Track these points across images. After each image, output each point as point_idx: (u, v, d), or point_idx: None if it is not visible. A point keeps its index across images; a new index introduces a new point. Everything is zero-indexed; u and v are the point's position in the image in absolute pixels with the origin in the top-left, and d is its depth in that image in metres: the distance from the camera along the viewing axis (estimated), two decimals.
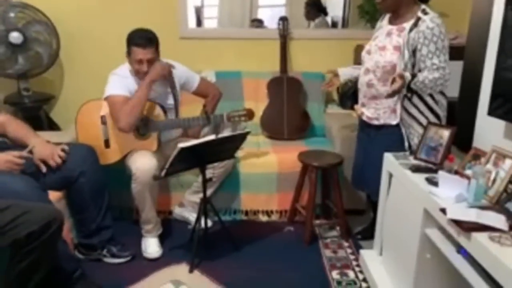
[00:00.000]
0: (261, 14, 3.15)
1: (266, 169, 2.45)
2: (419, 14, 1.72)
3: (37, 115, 2.76)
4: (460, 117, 1.84)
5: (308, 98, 2.92)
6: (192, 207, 2.40)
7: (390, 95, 1.70)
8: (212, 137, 1.77)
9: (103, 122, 2.14)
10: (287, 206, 2.49)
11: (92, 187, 1.92)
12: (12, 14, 2.53)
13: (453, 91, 2.07)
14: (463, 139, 1.77)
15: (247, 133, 1.92)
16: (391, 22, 1.87)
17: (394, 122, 1.84)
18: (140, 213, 2.11)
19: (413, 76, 1.70)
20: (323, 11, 3.18)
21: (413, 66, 1.74)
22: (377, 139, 1.91)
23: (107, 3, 2.86)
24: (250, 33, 3.05)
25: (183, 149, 1.65)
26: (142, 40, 2.00)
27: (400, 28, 1.78)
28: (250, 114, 2.19)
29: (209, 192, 2.24)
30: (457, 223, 1.13)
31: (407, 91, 1.75)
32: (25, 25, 2.55)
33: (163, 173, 1.80)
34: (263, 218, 2.55)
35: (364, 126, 1.99)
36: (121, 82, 2.08)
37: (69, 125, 2.56)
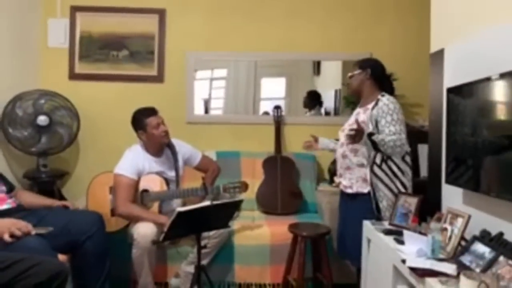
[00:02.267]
0: (263, 106, 3.49)
1: (259, 240, 2.59)
2: (379, 97, 2.13)
3: (51, 189, 3.00)
4: (431, 191, 2.06)
5: (300, 176, 3.17)
6: (187, 277, 2.48)
7: (350, 136, 1.96)
8: (207, 203, 1.98)
9: (111, 192, 2.38)
10: (280, 280, 2.57)
11: (96, 251, 2.08)
12: (42, 101, 2.93)
13: (426, 172, 2.33)
14: (434, 210, 1.97)
15: (241, 201, 2.13)
16: (360, 105, 2.28)
17: (365, 191, 2.08)
18: (137, 279, 2.22)
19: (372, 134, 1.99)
20: (320, 103, 3.53)
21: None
22: (352, 207, 2.14)
23: (123, 93, 3.30)
24: (248, 118, 3.41)
25: (180, 213, 1.85)
26: (150, 110, 2.42)
27: (365, 109, 2.18)
28: (244, 186, 2.42)
29: (204, 262, 2.36)
30: (414, 270, 1.29)
31: (374, 149, 1.99)
32: (52, 110, 2.95)
33: (161, 237, 1.97)
34: None
35: (343, 195, 2.24)
36: (132, 161, 2.37)
37: (77, 199, 2.81)
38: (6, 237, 1.72)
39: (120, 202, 2.27)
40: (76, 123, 3.05)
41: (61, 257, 1.99)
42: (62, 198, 3.11)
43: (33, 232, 1.81)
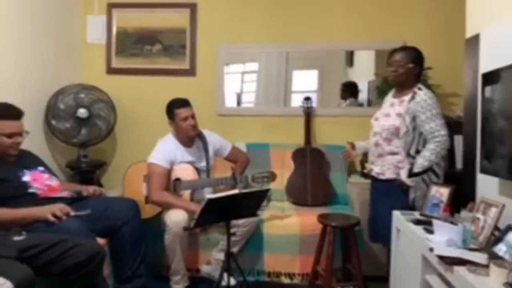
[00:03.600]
0: (295, 98, 3.44)
1: (289, 230, 2.61)
2: (415, 89, 2.13)
3: (91, 178, 3.17)
4: (465, 181, 2.00)
5: (331, 168, 3.14)
6: (218, 264, 2.55)
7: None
8: (235, 191, 2.03)
9: (145, 181, 2.49)
10: (309, 270, 2.58)
11: (132, 236, 2.19)
12: (82, 95, 3.09)
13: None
14: (468, 201, 1.90)
15: (268, 190, 2.16)
16: (394, 96, 2.27)
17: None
18: (170, 264, 2.32)
19: (410, 168, 2.03)
20: (354, 94, 3.47)
21: (414, 128, 2.08)
22: (384, 193, 2.16)
23: (156, 87, 3.40)
24: (278, 110, 3.42)
25: (210, 200, 1.91)
26: (182, 102, 2.50)
27: (400, 100, 2.17)
28: (272, 176, 2.45)
29: (234, 249, 2.41)
30: (442, 258, 1.26)
31: (423, 173, 2.03)
32: (91, 103, 3.10)
33: (192, 224, 2.04)
34: (286, 280, 2.63)
35: (374, 181, 2.29)
36: (165, 150, 2.46)
37: (113, 187, 2.96)
38: (49, 216, 1.85)
39: (153, 190, 2.36)
40: (113, 116, 3.18)
41: (100, 240, 2.12)
42: (100, 186, 3.26)
43: (72, 213, 1.94)
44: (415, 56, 2.18)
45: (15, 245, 1.61)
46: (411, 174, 2.03)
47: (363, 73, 3.57)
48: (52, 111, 3.00)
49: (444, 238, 1.43)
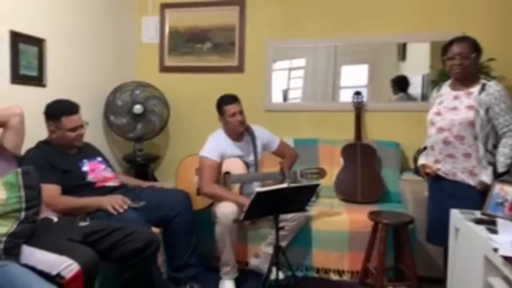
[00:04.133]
0: (344, 94, 3.36)
1: (338, 227, 2.57)
2: (483, 81, 2.03)
3: (145, 171, 3.33)
4: None
5: (382, 165, 3.05)
6: (267, 258, 2.57)
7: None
8: (284, 185, 2.04)
9: (197, 174, 2.57)
10: (359, 267, 2.52)
11: (185, 226, 2.28)
12: (138, 92, 3.25)
13: None
14: None
15: (317, 185, 2.14)
16: (454, 88, 2.14)
17: (472, 183, 2.02)
18: (220, 255, 2.38)
19: (494, 168, 1.95)
20: (404, 89, 3.33)
21: (488, 121, 1.99)
22: (455, 194, 2.05)
23: (207, 84, 3.49)
24: (326, 106, 3.36)
25: (259, 193, 1.93)
26: (230, 99, 2.54)
27: (467, 92, 2.06)
28: (322, 173, 2.43)
29: (283, 243, 2.42)
30: (508, 259, 1.18)
31: (508, 172, 1.95)
32: (146, 99, 3.24)
33: (242, 216, 2.08)
34: (335, 277, 2.60)
35: (440, 180, 2.14)
36: (215, 144, 2.53)
37: (167, 180, 3.08)
38: (109, 208, 1.98)
39: (204, 182, 2.43)
40: (166, 111, 3.31)
41: (155, 230, 2.22)
42: (154, 179, 3.42)
43: (128, 202, 2.06)
44: (475, 45, 2.08)
45: (80, 229, 1.74)
46: (496, 175, 1.92)
47: (417, 66, 3.41)
48: (111, 107, 3.18)
49: (509, 238, 1.34)
